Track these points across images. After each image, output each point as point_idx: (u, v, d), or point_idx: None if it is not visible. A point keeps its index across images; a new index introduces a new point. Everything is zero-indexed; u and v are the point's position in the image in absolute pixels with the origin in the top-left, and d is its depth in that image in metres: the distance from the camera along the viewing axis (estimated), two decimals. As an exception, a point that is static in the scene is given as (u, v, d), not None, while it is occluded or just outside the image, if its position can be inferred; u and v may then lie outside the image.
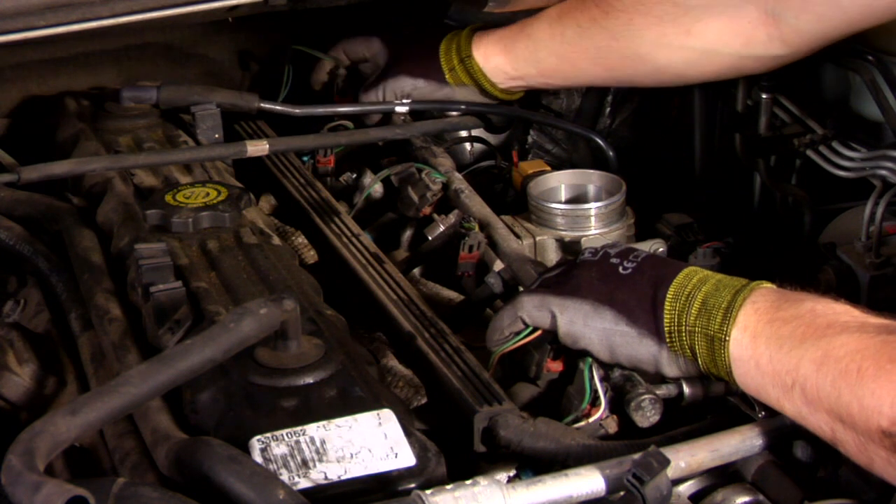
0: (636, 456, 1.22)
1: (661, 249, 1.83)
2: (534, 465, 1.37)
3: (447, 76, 2.07)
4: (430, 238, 1.87)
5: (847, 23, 1.74)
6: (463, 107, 2.09)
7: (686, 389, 1.44)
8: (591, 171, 1.92)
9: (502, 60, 2.03)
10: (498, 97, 2.10)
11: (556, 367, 1.51)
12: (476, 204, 1.88)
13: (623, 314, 1.41)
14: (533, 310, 1.48)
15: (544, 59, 1.99)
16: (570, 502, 1.23)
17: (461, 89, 2.08)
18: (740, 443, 1.33)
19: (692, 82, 1.99)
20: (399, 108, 2.08)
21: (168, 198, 1.76)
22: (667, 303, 1.39)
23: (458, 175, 1.97)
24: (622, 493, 1.23)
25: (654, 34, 1.86)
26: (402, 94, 2.10)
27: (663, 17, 1.84)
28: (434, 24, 2.16)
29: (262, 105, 2.09)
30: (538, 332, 1.50)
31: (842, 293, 1.35)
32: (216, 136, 2.04)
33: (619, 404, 1.44)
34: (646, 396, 1.42)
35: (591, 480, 1.23)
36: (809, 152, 1.95)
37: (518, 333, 1.50)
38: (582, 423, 1.43)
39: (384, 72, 2.12)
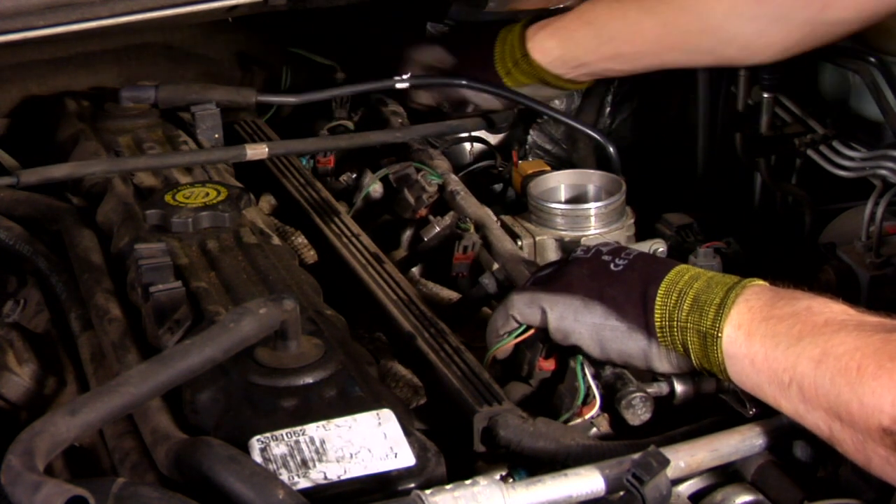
0: (636, 456, 1.22)
1: (661, 249, 1.83)
2: (528, 464, 1.37)
3: (505, 80, 2.07)
4: (425, 239, 1.87)
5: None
6: (464, 82, 2.09)
7: (677, 387, 1.44)
8: (591, 171, 1.92)
9: (563, 51, 2.01)
10: (564, 88, 2.09)
11: (548, 365, 1.51)
12: (472, 205, 1.88)
13: (613, 309, 1.42)
14: (524, 307, 1.49)
15: (605, 43, 1.97)
16: (569, 502, 1.23)
17: (525, 88, 2.08)
18: (740, 443, 1.33)
19: (757, 59, 1.93)
20: (399, 85, 2.08)
21: (168, 198, 1.76)
22: (658, 298, 1.39)
23: (454, 177, 1.97)
24: (622, 493, 1.23)
25: (726, 5, 1.84)
26: (459, 100, 2.11)
27: None
28: (486, 25, 2.13)
29: (259, 98, 2.09)
30: (531, 331, 1.50)
31: (842, 293, 1.35)
32: (216, 136, 2.04)
33: (609, 402, 1.44)
34: (637, 394, 1.42)
35: (590, 480, 1.23)
36: (810, 152, 1.96)
37: (512, 333, 1.51)
38: (577, 421, 1.43)
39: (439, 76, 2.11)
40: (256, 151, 1.93)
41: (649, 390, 1.43)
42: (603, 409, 1.44)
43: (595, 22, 1.96)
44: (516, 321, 1.50)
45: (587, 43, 1.99)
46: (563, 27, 1.99)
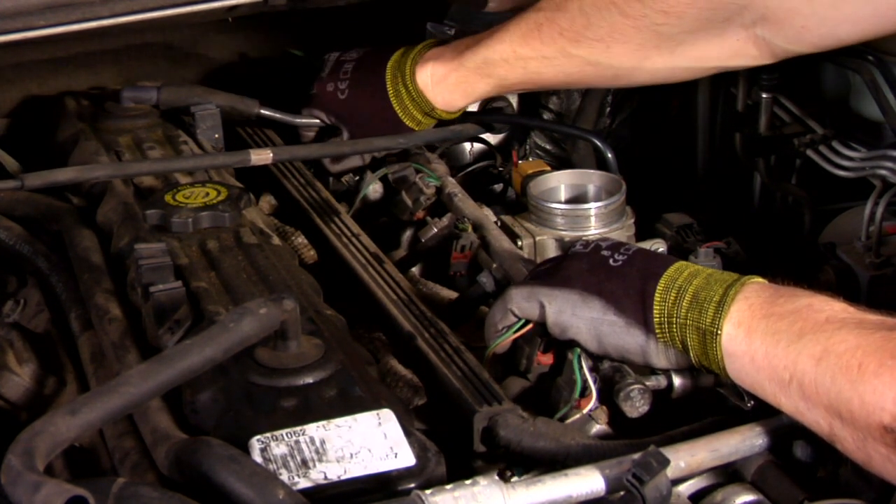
0: (636, 456, 1.22)
1: (661, 249, 1.83)
2: (525, 463, 1.37)
3: (416, 128, 2.02)
4: (423, 240, 1.87)
5: (839, 45, 1.75)
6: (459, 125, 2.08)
7: (675, 381, 1.45)
8: (591, 171, 1.92)
9: (466, 102, 2.00)
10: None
11: (546, 360, 1.51)
12: (469, 207, 1.88)
13: (611, 304, 1.42)
14: (522, 301, 1.49)
15: (509, 88, 1.97)
16: (569, 502, 1.23)
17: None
18: (740, 443, 1.33)
19: (666, 83, 1.96)
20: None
21: (168, 198, 1.76)
22: (657, 294, 1.39)
23: (451, 179, 1.98)
24: (622, 493, 1.23)
25: (635, 59, 1.81)
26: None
27: (644, 43, 1.78)
28: (364, 74, 2.05)
29: (261, 111, 2.09)
30: (530, 326, 1.50)
31: (842, 293, 1.35)
32: (216, 136, 2.05)
33: (608, 395, 1.44)
34: (635, 386, 1.42)
35: (590, 480, 1.23)
36: (809, 152, 1.95)
37: (511, 327, 1.51)
38: (576, 416, 1.43)
39: (351, 135, 2.06)
40: (261, 157, 1.92)
41: (648, 383, 1.44)
42: (600, 401, 1.44)
43: (494, 76, 1.92)
44: (515, 315, 1.50)
45: (490, 92, 1.98)
46: (464, 82, 1.95)
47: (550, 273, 1.49)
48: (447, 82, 1.98)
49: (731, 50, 1.77)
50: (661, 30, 1.75)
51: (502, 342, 1.52)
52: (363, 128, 2.04)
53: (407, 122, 2.02)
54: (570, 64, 1.85)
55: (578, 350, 1.45)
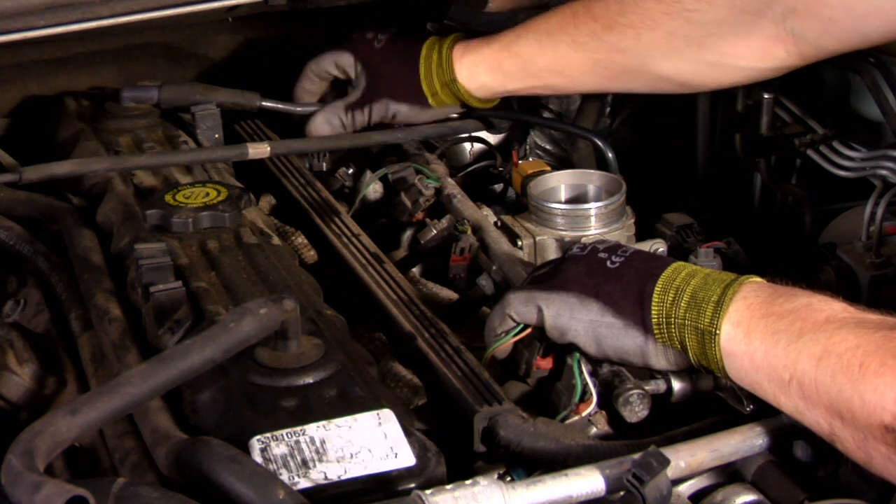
0: (636, 456, 1.22)
1: (661, 249, 1.83)
2: (525, 463, 1.37)
3: (430, 100, 2.04)
4: (422, 242, 1.87)
5: (866, 42, 1.74)
6: (463, 110, 2.08)
7: (675, 384, 1.45)
8: (591, 171, 1.92)
9: (489, 79, 2.01)
10: (484, 107, 2.09)
11: (545, 364, 1.51)
12: (468, 209, 1.88)
13: (609, 306, 1.42)
14: (520, 306, 1.49)
15: (536, 73, 1.96)
16: (569, 502, 1.23)
17: (445, 109, 2.07)
18: (740, 443, 1.33)
19: (695, 91, 1.98)
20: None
21: (168, 198, 1.76)
22: (655, 295, 1.39)
23: (450, 180, 1.98)
24: (622, 493, 1.23)
25: (664, 48, 1.83)
26: (387, 117, 2.07)
27: (675, 31, 1.80)
28: (407, 35, 2.10)
29: (263, 103, 2.09)
30: (528, 330, 1.50)
31: (842, 293, 1.35)
32: (216, 135, 2.05)
33: (607, 400, 1.44)
34: (634, 391, 1.42)
35: (590, 480, 1.23)
36: (810, 152, 1.96)
37: (509, 332, 1.51)
38: (574, 419, 1.43)
39: (366, 93, 2.06)
40: (258, 151, 1.92)
41: (647, 388, 1.44)
42: (600, 406, 1.44)
43: (523, 55, 1.94)
44: (513, 320, 1.50)
45: (515, 74, 1.98)
46: (492, 56, 1.97)
47: (548, 277, 1.49)
48: (476, 54, 1.99)
49: (761, 50, 1.77)
50: (692, 17, 1.78)
51: (501, 346, 1.52)
52: (383, 82, 2.06)
53: (424, 88, 2.02)
54: (600, 49, 1.87)
55: (578, 354, 1.45)
